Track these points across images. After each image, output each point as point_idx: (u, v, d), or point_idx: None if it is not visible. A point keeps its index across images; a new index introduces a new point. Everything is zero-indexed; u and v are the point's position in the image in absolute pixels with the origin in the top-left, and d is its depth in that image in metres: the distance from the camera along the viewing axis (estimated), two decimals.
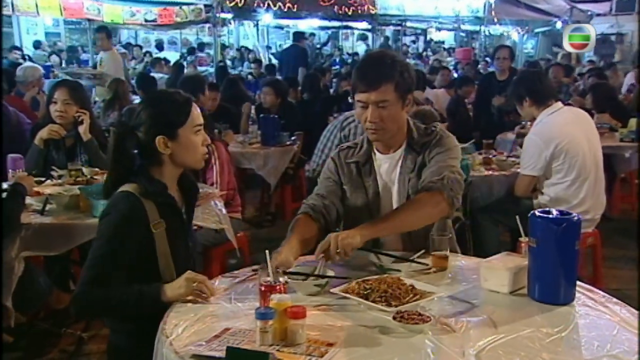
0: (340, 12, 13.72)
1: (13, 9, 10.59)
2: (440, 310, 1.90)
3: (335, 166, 2.56)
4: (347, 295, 1.94)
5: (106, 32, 8.97)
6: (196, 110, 2.20)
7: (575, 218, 1.95)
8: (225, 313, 1.90)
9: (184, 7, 11.41)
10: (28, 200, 3.12)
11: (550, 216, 1.96)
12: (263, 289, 1.82)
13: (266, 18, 13.55)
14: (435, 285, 2.05)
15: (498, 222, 4.18)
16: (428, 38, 21.35)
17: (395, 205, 2.48)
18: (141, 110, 2.19)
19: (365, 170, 2.51)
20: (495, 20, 17.56)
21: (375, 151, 2.52)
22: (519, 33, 19.80)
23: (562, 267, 1.94)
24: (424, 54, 18.86)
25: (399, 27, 17.05)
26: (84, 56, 14.06)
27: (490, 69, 10.56)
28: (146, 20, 11.28)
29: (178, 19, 11.46)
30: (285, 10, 12.64)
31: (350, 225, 2.49)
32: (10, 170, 3.52)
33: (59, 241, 2.93)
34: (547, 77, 4.26)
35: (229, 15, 12.36)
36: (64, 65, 12.66)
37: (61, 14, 10.74)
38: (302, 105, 6.97)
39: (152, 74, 9.76)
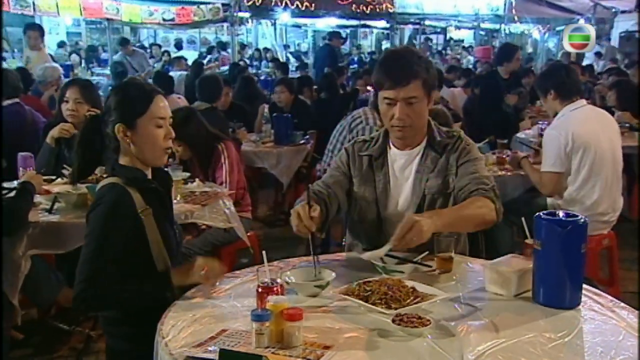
0: (357, 10, 13.66)
1: (34, 9, 10.68)
2: (441, 314, 1.87)
3: (347, 157, 2.54)
4: (347, 297, 1.91)
5: (40, 30, 8.45)
6: (161, 103, 2.17)
7: (582, 220, 1.90)
8: (223, 314, 1.89)
9: (202, 6, 11.44)
10: (37, 198, 3.14)
11: (555, 218, 1.91)
12: (260, 290, 1.80)
13: (284, 17, 13.53)
14: (439, 288, 2.02)
15: (512, 223, 4.10)
16: (448, 37, 21.18)
17: (402, 202, 2.45)
18: (109, 97, 2.20)
19: (377, 164, 2.49)
20: (516, 18, 17.33)
21: (391, 146, 2.49)
22: (540, 31, 19.51)
23: (567, 270, 1.90)
24: (444, 52, 18.72)
25: (418, 26, 16.92)
26: (103, 55, 14.19)
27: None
28: (164, 20, 11.32)
29: (196, 18, 11.49)
30: (303, 9, 12.62)
31: (354, 217, 2.47)
32: (20, 169, 3.54)
33: (65, 239, 2.93)
34: (574, 72, 4.15)
35: (247, 14, 12.36)
36: (83, 64, 12.78)
37: (81, 14, 10.83)
38: (318, 105, 6.93)
39: (171, 72, 9.83)
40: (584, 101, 3.94)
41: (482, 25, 17.96)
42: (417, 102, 2.32)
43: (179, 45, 16.45)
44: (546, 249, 1.90)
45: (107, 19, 11.30)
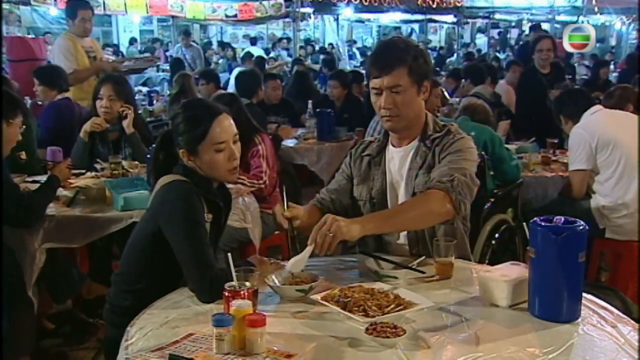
0: (424, 4, 13.37)
1: (104, 8, 11.04)
2: (423, 323, 1.75)
3: (350, 159, 2.49)
4: (325, 302, 1.82)
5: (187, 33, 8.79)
6: (220, 126, 2.18)
7: (580, 227, 1.74)
8: (197, 316, 1.84)
9: (264, 1, 11.49)
10: (61, 192, 3.19)
11: (551, 224, 1.76)
12: (227, 294, 1.73)
13: (346, 12, 13.42)
14: (432, 295, 1.91)
15: None
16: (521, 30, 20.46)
17: (401, 201, 2.34)
18: (177, 115, 2.25)
19: (375, 162, 2.41)
20: (596, 9, 16.49)
21: (390, 144, 2.41)
22: (623, 22, 18.50)
23: (564, 281, 1.75)
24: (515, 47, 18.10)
25: (487, 20, 16.37)
26: (171, 51, 14.54)
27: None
28: (227, 16, 11.46)
29: (258, 14, 11.57)
30: (367, 3, 12.46)
31: (353, 217, 2.37)
32: (50, 162, 3.62)
33: (80, 233, 2.96)
34: (579, 92, 4.24)
35: (309, 10, 12.33)
36: None
37: (147, 12, 11.09)
38: None
39: (236, 69, 9.91)
40: (598, 106, 3.98)
41: (558, 18, 17.22)
42: (403, 90, 2.22)
43: (253, 41, 16.52)
44: (541, 257, 1.76)
45: (172, 16, 11.55)
